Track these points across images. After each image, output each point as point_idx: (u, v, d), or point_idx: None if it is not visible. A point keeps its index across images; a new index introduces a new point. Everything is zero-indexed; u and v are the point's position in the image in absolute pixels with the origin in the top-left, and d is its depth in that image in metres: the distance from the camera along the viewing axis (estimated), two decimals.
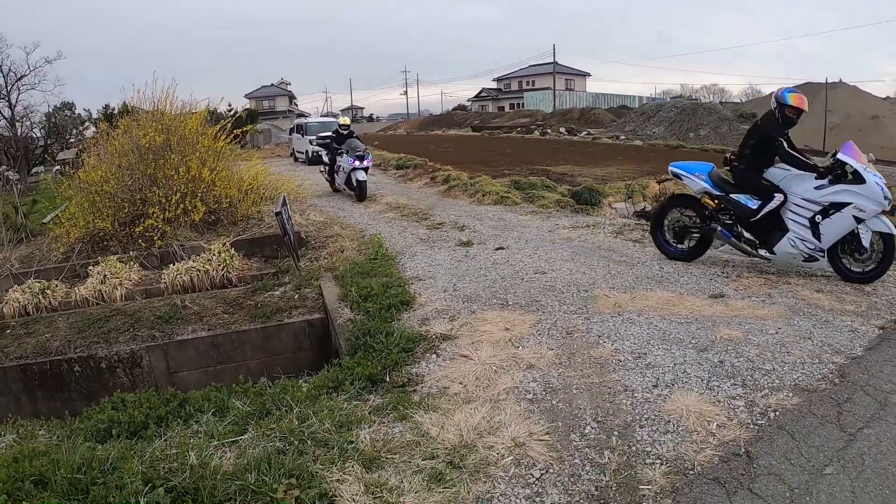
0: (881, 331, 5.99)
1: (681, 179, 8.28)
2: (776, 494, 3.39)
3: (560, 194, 13.67)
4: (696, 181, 8.00)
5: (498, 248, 8.98)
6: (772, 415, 4.20)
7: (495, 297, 6.73)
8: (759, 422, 4.11)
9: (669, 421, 4.07)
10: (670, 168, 8.52)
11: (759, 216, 7.51)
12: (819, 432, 4.01)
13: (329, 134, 17.97)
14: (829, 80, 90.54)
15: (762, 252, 7.63)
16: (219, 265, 9.12)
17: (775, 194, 7.40)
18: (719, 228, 7.78)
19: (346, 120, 17.62)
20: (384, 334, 5.77)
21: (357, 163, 15.00)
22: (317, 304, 7.67)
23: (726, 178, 8.03)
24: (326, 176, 17.36)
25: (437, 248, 9.24)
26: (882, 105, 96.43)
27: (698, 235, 8.11)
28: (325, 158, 17.52)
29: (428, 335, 5.77)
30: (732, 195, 7.71)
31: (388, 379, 5.04)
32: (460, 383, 4.77)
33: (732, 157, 8.02)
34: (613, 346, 5.26)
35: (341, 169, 15.91)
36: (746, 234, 7.72)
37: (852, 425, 4.12)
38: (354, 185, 15.12)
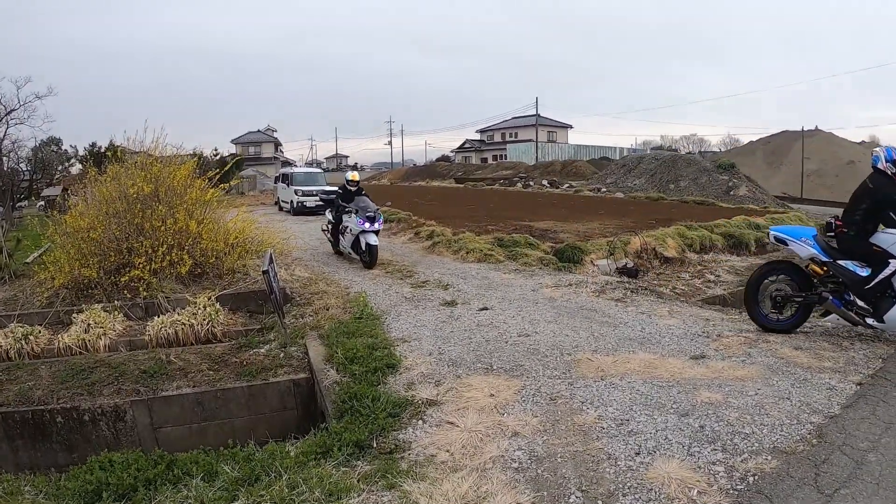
0: (858, 387, 6.13)
1: (786, 245, 7.87)
2: None
3: (543, 251, 13.77)
4: (804, 247, 7.64)
5: (482, 309, 9.06)
6: (751, 479, 4.30)
7: (480, 361, 6.81)
8: (739, 487, 4.20)
9: (652, 489, 4.14)
10: (772, 232, 8.15)
11: (872, 284, 7.21)
12: (797, 495, 4.13)
13: (335, 189, 16.90)
14: (804, 129, 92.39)
15: (870, 321, 7.34)
16: (204, 319, 9.12)
17: (890, 260, 7.13)
18: (830, 298, 7.44)
19: (354, 175, 15.48)
20: (371, 398, 5.82)
21: (367, 224, 13.19)
22: (302, 363, 7.68)
23: (831, 243, 7.62)
24: (329, 236, 15.57)
25: (421, 308, 9.32)
26: (857, 150, 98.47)
27: (800, 304, 7.71)
28: (330, 216, 15.45)
29: (414, 400, 5.82)
30: (841, 262, 7.40)
31: (375, 445, 5.07)
32: (447, 451, 4.83)
33: (838, 221, 7.60)
34: (597, 413, 5.34)
35: (348, 230, 14.08)
36: (859, 303, 7.36)
37: (830, 486, 4.24)
38: (363, 249, 13.31)
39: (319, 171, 35.67)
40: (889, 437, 5.10)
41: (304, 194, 27.91)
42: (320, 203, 27.84)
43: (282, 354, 7.95)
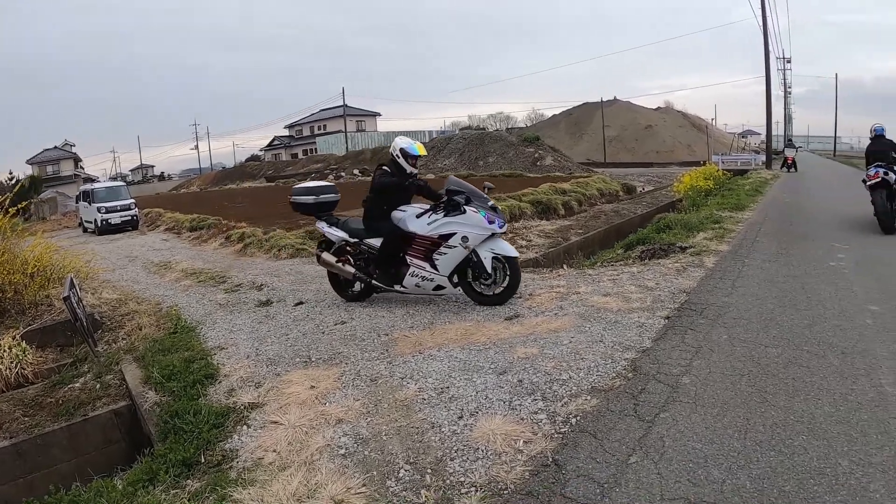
0: (667, 320, 6.60)
1: None
2: (588, 493, 3.61)
3: None
4: None
5: (298, 304, 8.96)
6: (573, 421, 4.48)
7: (298, 356, 6.70)
8: (563, 430, 4.37)
9: (478, 448, 4.21)
10: None
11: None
12: (619, 427, 4.35)
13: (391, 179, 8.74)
14: (604, 99, 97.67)
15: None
16: (11, 362, 8.44)
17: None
18: None
19: (421, 148, 8.77)
20: (192, 413, 5.58)
21: (498, 224, 8.15)
22: (120, 390, 7.21)
23: None
24: (346, 267, 8.92)
25: (236, 313, 9.07)
26: (653, 115, 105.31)
27: None
28: (335, 232, 9.04)
29: (236, 406, 5.63)
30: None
31: (203, 460, 4.86)
32: (274, 451, 4.71)
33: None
34: (417, 386, 5.38)
35: (456, 245, 7.99)
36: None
37: (649, 413, 4.52)
38: (489, 272, 8.02)
39: (122, 184, 33.67)
40: (700, 360, 5.50)
41: (108, 211, 26.38)
42: (126, 219, 26.60)
43: (98, 385, 7.47)
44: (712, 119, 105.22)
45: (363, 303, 8.76)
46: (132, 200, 27.89)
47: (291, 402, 5.48)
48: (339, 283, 9.19)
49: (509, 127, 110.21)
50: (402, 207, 8.44)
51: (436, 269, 8.08)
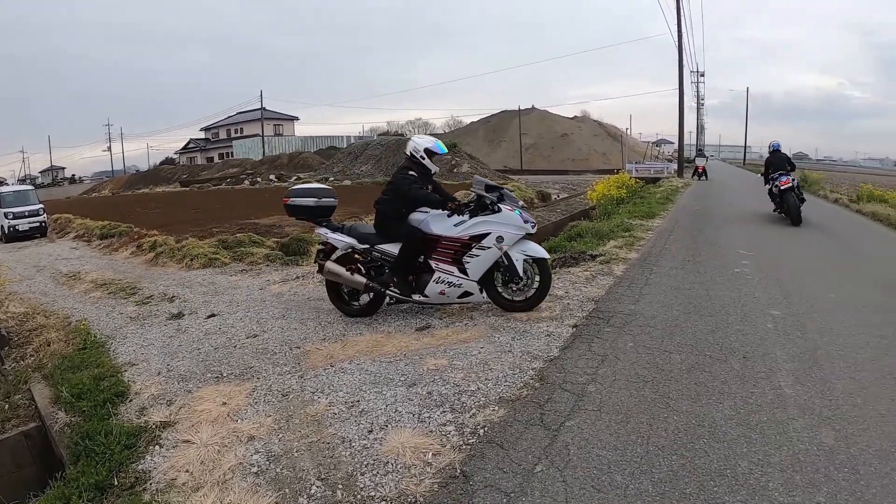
0: (574, 329, 6.74)
1: None
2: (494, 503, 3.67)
3: (268, 248, 13.59)
4: None
5: (210, 316, 8.80)
6: (481, 431, 4.54)
7: (210, 371, 6.57)
8: (471, 441, 4.41)
9: (388, 462, 4.22)
10: None
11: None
12: (525, 436, 4.42)
13: (316, 186, 9.04)
14: (521, 108, 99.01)
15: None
16: None
17: None
18: None
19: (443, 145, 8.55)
20: (104, 434, 5.40)
21: (531, 223, 7.93)
22: (30, 411, 6.93)
23: None
24: (357, 277, 8.06)
25: (147, 326, 8.82)
26: (569, 124, 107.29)
27: None
28: (340, 238, 8.24)
29: (148, 426, 5.48)
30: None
31: (116, 483, 4.73)
32: (187, 471, 4.63)
33: None
34: (328, 400, 5.36)
35: (490, 246, 7.60)
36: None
37: (555, 422, 4.60)
38: (521, 274, 7.74)
39: (30, 188, 31.49)
40: (605, 368, 5.63)
41: (16, 217, 25.11)
42: (35, 226, 25.42)
43: (6, 406, 7.23)
44: (627, 128, 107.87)
45: (277, 315, 8.57)
46: (41, 206, 26.49)
47: (203, 420, 5.38)
48: (341, 296, 8.40)
49: (428, 133, 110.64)
50: (422, 209, 7.96)
51: (465, 273, 7.62)
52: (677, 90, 47.70)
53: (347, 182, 41.03)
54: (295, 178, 48.14)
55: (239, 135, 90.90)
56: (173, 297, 10.48)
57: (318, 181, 42.74)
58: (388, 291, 7.93)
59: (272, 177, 50.00)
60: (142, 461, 4.98)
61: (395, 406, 5.09)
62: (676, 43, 47.08)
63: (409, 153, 8.18)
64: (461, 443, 4.41)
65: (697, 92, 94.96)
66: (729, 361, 5.90)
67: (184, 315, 9.11)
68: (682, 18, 47.69)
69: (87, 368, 7.26)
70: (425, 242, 7.80)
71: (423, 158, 8.13)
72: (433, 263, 7.75)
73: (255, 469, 4.46)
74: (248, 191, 39.63)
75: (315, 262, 8.66)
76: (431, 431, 4.60)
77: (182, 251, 14.11)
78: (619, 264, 10.55)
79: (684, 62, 47.22)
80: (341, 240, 8.18)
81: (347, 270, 8.10)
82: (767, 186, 19.41)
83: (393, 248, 7.90)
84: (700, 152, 48.03)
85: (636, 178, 37.30)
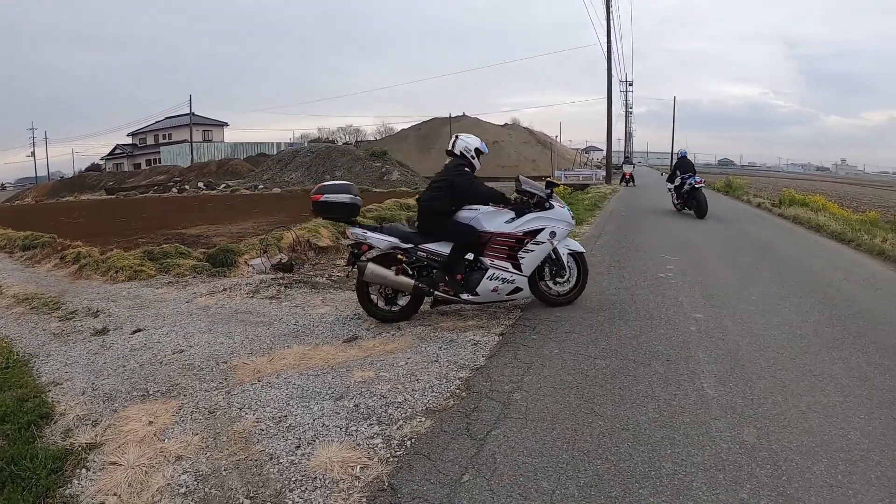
0: (500, 337, 6.83)
1: None
2: None
3: (195, 259, 13.27)
4: None
5: (135, 331, 8.59)
6: (408, 443, 4.56)
7: (136, 389, 6.40)
8: (398, 453, 4.43)
9: (316, 478, 4.20)
10: None
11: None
12: (452, 446, 4.46)
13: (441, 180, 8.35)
14: (452, 115, 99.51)
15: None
16: None
17: None
18: None
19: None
20: (29, 458, 5.23)
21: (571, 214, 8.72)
22: None
23: None
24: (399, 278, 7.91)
25: (71, 343, 8.54)
26: (500, 131, 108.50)
27: None
28: (433, 247, 8.01)
29: (74, 448, 5.32)
30: None
31: None
32: (115, 494, 4.52)
33: None
34: (255, 416, 5.30)
35: (544, 238, 8.10)
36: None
37: (481, 431, 4.66)
38: (567, 267, 8.42)
39: None
40: (531, 375, 5.72)
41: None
42: None
43: None
44: (557, 136, 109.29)
45: (203, 329, 8.40)
46: None
47: (130, 441, 5.28)
48: (372, 301, 8.09)
49: (358, 140, 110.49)
50: (470, 206, 8.03)
51: (519, 269, 7.79)
52: (606, 99, 49.13)
53: (277, 190, 40.61)
54: (223, 185, 47.43)
55: (167, 141, 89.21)
56: (98, 311, 10.23)
57: (247, 188, 42.39)
58: (435, 293, 7.80)
59: (200, 184, 49.13)
60: (69, 486, 4.84)
61: (323, 420, 5.07)
62: (606, 53, 48.64)
63: (459, 152, 8.20)
64: (389, 455, 4.42)
65: (626, 100, 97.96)
66: (653, 365, 6.06)
67: (109, 331, 8.89)
68: (612, 30, 49.13)
69: (10, 389, 7.04)
70: (476, 240, 7.87)
71: (473, 157, 8.24)
72: (487, 260, 7.84)
73: (183, 490, 4.39)
74: (176, 199, 38.88)
75: (349, 266, 8.20)
76: (359, 445, 4.60)
77: (107, 263, 13.74)
78: None
79: (613, 72, 48.71)
80: (384, 239, 7.89)
81: (392, 271, 7.83)
82: (669, 185, 24.25)
83: (440, 248, 7.85)
84: (627, 159, 49.03)
85: (565, 184, 38.10)
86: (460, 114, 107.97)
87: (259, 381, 6.11)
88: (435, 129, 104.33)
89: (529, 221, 7.92)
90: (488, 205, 8.08)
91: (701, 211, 21.07)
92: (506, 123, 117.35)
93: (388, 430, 4.81)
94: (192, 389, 6.17)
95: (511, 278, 7.80)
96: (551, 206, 8.14)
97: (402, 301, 8.01)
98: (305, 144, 75.03)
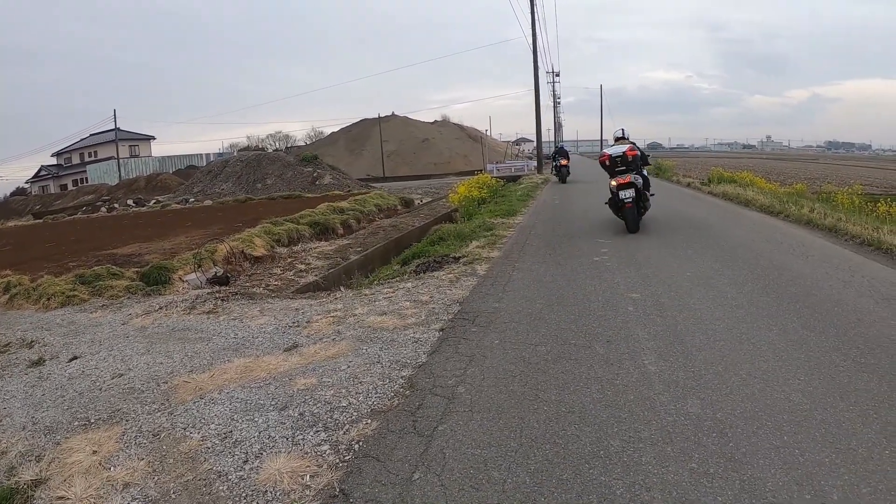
0: (441, 332, 6.83)
1: None
2: None
3: (129, 279, 13.00)
4: None
5: (72, 359, 8.36)
6: (356, 447, 4.55)
7: (76, 419, 6.22)
8: (347, 458, 4.42)
9: (266, 491, 4.16)
10: None
11: None
12: (400, 446, 4.47)
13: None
14: (381, 115, 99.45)
15: None
16: None
17: None
18: None
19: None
20: None
21: None
22: None
23: None
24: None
25: (7, 378, 8.25)
26: (430, 129, 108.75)
27: None
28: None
29: (19, 486, 5.16)
30: None
31: None
32: None
33: None
34: (200, 435, 5.21)
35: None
36: None
37: (428, 427, 4.68)
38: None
39: None
40: (473, 368, 5.75)
41: None
42: None
43: None
44: (487, 130, 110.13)
45: (142, 350, 8.17)
46: None
47: (75, 473, 5.14)
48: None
49: (288, 146, 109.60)
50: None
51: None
52: (534, 90, 49.69)
53: (209, 202, 39.99)
54: (154, 201, 46.56)
55: (93, 158, 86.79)
56: (32, 341, 9.96)
57: (177, 203, 41.69)
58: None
59: (130, 202, 48.13)
60: None
61: (269, 432, 5.02)
62: (531, 45, 48.92)
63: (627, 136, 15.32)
64: (337, 461, 4.40)
65: (553, 91, 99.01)
66: (593, 347, 6.15)
67: (45, 361, 8.66)
68: (536, 22, 49.59)
69: None
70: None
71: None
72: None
73: None
74: (106, 218, 37.91)
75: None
76: (307, 453, 4.57)
77: (38, 291, 13.37)
78: (483, 264, 10.80)
79: (540, 63, 49.23)
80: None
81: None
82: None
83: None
84: (560, 149, 49.35)
85: (497, 177, 38.42)
86: (389, 113, 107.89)
87: (202, 398, 6.02)
88: (365, 131, 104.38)
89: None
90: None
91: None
92: (436, 120, 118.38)
93: (335, 435, 4.78)
94: (134, 413, 6.04)
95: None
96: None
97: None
98: (234, 154, 74.00)
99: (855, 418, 4.48)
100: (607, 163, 14.25)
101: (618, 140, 15.18)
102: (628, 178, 13.60)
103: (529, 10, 49.52)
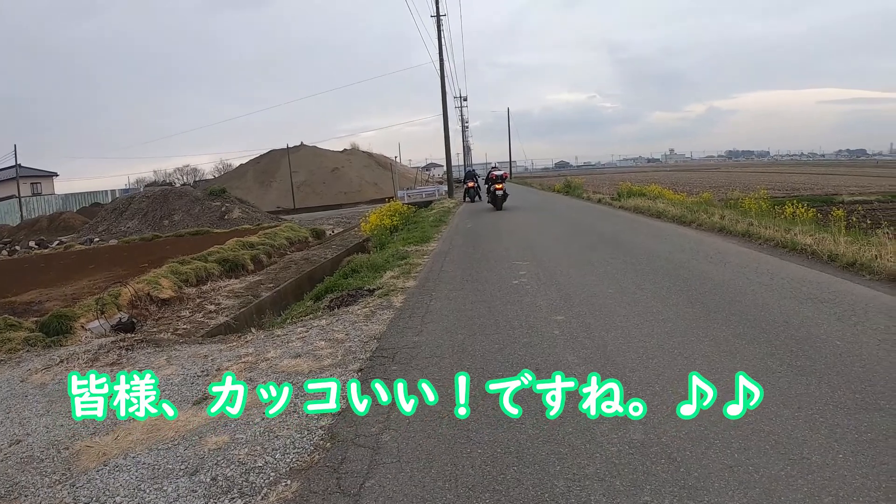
0: (359, 373, 6.41)
1: None
2: None
3: (28, 330, 12.23)
4: None
5: None
6: None
7: None
8: None
9: None
10: None
11: None
12: None
13: None
14: (290, 145, 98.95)
15: None
16: None
17: None
18: None
19: None
20: None
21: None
22: None
23: None
24: None
25: None
26: (339, 158, 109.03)
27: None
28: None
29: None
30: None
31: None
32: None
33: None
34: None
35: None
36: None
37: (354, 484, 4.28)
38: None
39: None
40: (397, 411, 5.36)
41: None
42: None
43: None
44: (396, 156, 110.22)
45: (41, 411, 7.52)
46: None
47: None
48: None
49: (197, 180, 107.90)
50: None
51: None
52: (442, 116, 50.57)
53: (114, 241, 38.62)
54: (57, 242, 44.69)
55: None
56: None
57: (81, 243, 40.25)
58: None
59: (32, 243, 46.02)
60: None
61: (179, 502, 4.58)
62: (439, 71, 49.66)
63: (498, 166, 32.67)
64: None
65: (461, 115, 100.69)
66: (522, 378, 5.87)
67: None
68: (444, 48, 50.56)
69: None
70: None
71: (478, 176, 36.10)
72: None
73: None
74: (6, 262, 35.97)
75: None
76: None
77: None
78: (399, 295, 10.48)
79: (447, 89, 50.20)
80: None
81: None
82: (486, 186, 34.98)
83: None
84: (469, 172, 49.55)
85: (409, 203, 38.68)
86: (298, 143, 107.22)
87: (105, 465, 5.49)
88: (274, 162, 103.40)
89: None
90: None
91: (497, 204, 30.88)
92: (345, 149, 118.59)
93: (252, 501, 4.36)
94: (33, 487, 5.46)
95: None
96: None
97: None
98: (141, 189, 71.99)
99: (802, 425, 4.41)
100: (493, 177, 31.50)
101: (494, 168, 33.67)
102: (501, 185, 30.38)
103: (437, 36, 50.13)
